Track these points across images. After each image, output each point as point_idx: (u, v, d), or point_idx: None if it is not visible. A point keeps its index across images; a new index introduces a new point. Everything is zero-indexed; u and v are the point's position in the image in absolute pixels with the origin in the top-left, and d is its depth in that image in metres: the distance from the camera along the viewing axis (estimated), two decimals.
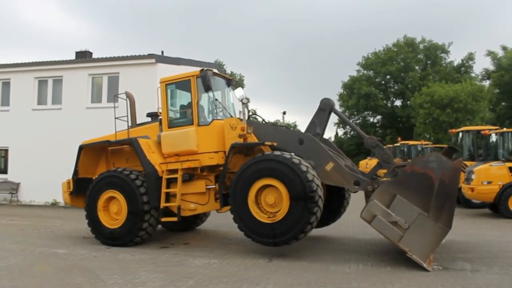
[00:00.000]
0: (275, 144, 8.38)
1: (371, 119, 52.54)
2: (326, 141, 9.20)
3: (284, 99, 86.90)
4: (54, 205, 17.78)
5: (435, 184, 6.75)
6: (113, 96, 11.47)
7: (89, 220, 9.41)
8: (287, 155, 7.62)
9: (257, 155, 7.90)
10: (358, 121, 52.58)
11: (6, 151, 19.10)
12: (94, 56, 20.18)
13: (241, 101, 8.56)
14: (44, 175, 16.78)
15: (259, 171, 7.70)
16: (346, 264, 7.13)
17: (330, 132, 64.88)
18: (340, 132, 53.78)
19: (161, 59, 17.11)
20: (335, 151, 8.98)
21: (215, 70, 9.80)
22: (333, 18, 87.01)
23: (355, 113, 51.45)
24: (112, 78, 17.60)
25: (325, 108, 8.74)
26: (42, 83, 18.80)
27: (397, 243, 6.85)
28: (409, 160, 16.48)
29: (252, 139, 8.52)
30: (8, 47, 75.73)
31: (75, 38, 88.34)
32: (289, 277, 6.36)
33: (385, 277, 6.28)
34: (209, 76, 8.88)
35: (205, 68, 9.09)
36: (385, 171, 8.55)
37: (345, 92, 51.06)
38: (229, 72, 55.45)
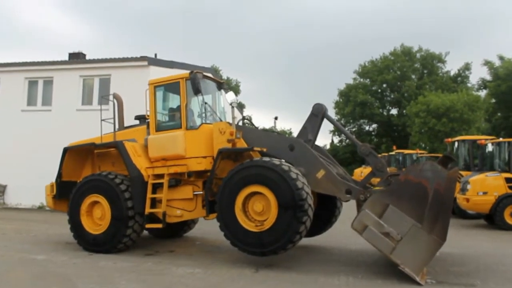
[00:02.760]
0: (264, 149, 8.10)
1: (367, 127, 52.42)
2: (318, 148, 8.93)
3: (280, 105, 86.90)
4: (41, 208, 17.36)
5: (430, 194, 6.47)
6: (101, 97, 11.18)
7: (72, 225, 9.07)
8: (276, 161, 7.34)
9: (245, 161, 7.61)
10: (354, 129, 52.40)
11: None
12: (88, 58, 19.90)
13: (230, 104, 8.28)
14: (32, 178, 16.29)
15: (247, 177, 7.41)
16: (336, 276, 6.82)
17: (326, 139, 64.76)
18: (336, 140, 53.62)
19: (154, 61, 16.83)
20: (327, 158, 8.71)
21: (209, 74, 9.52)
22: (332, 26, 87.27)
23: (351, 121, 51.28)
24: (104, 80, 17.28)
25: (317, 114, 8.47)
26: (32, 83, 18.47)
27: (389, 255, 6.55)
28: (404, 169, 16.20)
29: (241, 144, 8.24)
30: (4, 47, 75.40)
31: (73, 40, 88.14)
32: None
33: None
34: (199, 78, 8.62)
35: (195, 71, 8.81)
36: (379, 179, 8.27)
37: (341, 100, 50.92)
38: (225, 78, 55.29)
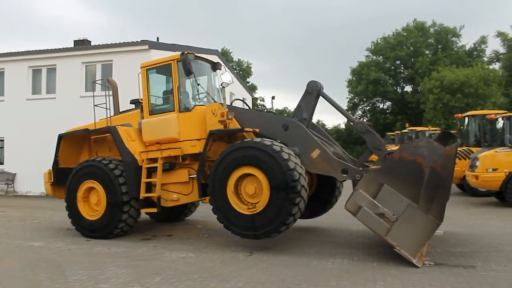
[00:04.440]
0: (257, 130, 7.86)
1: (381, 106, 51.54)
2: (315, 127, 8.65)
3: (294, 85, 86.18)
4: (49, 195, 17.50)
5: (425, 173, 6.16)
6: (92, 83, 11.05)
7: (69, 211, 9.05)
8: (267, 141, 7.09)
9: (236, 142, 7.39)
10: (368, 108, 51.68)
11: (2, 141, 18.89)
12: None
13: (221, 84, 8.03)
14: (40, 165, 16.30)
15: (238, 159, 7.20)
16: (330, 259, 6.60)
17: (341, 119, 64.05)
18: None
19: (155, 45, 16.60)
20: (324, 137, 8.43)
21: (219, 60, 9.22)
22: (345, 5, 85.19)
23: (364, 99, 50.52)
24: (106, 66, 17.16)
25: (311, 92, 8.13)
26: (36, 72, 18.49)
27: (384, 237, 6.29)
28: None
29: (234, 125, 8.01)
30: (16, 38, 75.97)
31: (84, 29, 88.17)
32: (265, 273, 5.88)
33: (369, 274, 5.75)
34: (190, 59, 8.35)
35: (186, 52, 8.56)
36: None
37: (353, 79, 50.04)
38: (236, 60, 54.76)
